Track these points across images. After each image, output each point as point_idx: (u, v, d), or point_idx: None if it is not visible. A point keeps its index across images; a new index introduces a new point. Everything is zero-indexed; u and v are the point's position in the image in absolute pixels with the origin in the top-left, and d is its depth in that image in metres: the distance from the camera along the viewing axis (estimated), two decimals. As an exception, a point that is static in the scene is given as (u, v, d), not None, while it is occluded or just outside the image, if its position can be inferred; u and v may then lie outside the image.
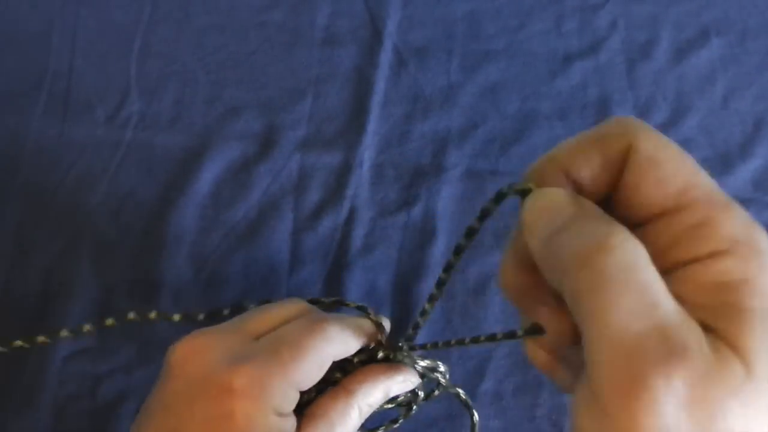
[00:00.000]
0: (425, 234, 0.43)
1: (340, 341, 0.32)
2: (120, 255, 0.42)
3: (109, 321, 0.36)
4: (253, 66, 0.47)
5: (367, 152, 0.44)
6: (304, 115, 0.46)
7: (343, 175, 0.44)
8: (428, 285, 0.41)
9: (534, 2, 0.49)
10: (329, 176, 0.44)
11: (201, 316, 0.36)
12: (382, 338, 0.34)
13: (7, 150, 0.44)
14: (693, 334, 0.18)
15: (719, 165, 0.45)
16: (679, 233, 0.20)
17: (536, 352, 0.24)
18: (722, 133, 0.46)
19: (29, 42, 0.47)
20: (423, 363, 0.34)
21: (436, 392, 0.36)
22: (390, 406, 0.35)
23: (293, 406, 0.30)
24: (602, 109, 0.46)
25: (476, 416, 0.37)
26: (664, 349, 0.17)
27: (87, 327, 0.36)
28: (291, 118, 0.45)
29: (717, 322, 0.18)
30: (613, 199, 0.21)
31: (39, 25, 0.47)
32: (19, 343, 0.36)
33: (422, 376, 0.35)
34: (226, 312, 0.36)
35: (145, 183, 0.43)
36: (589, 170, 0.22)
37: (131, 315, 0.36)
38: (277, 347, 0.30)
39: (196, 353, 0.30)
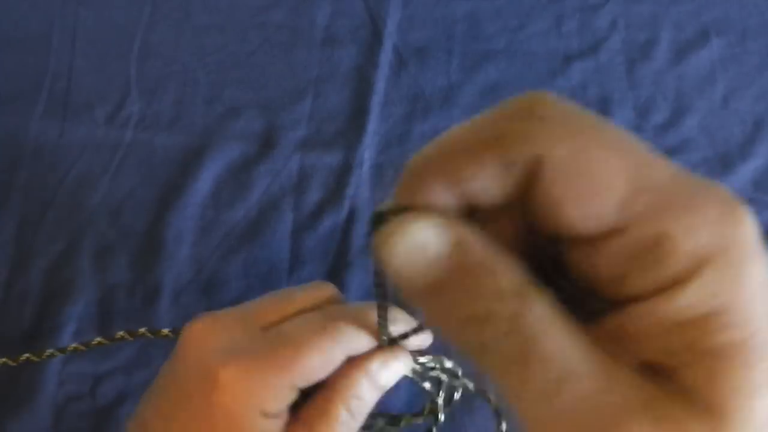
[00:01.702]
0: (425, 234, 0.42)
1: (354, 342, 0.29)
2: (120, 255, 0.42)
3: (97, 340, 0.36)
4: (253, 66, 0.47)
5: (367, 152, 0.44)
6: (304, 115, 0.46)
7: (343, 175, 0.44)
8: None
9: (534, 2, 0.49)
10: (329, 176, 0.44)
11: None
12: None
13: (7, 150, 0.44)
14: (625, 403, 0.14)
15: (719, 165, 0.45)
16: (626, 260, 0.14)
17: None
18: (722, 133, 0.46)
19: (29, 42, 0.47)
20: (422, 359, 0.32)
21: (457, 395, 0.33)
22: (418, 421, 0.33)
23: (286, 405, 0.28)
24: (602, 109, 0.46)
25: (504, 425, 0.33)
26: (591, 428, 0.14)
27: (72, 346, 0.37)
28: (291, 118, 0.45)
29: (682, 369, 0.14)
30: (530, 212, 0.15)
31: (39, 25, 0.47)
32: (2, 360, 0.37)
33: (426, 376, 0.32)
34: (166, 331, 0.35)
35: (145, 183, 0.43)
36: (482, 182, 0.15)
37: (120, 333, 0.36)
38: (277, 344, 0.28)
39: (199, 337, 0.29)
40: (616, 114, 0.46)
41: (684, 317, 0.14)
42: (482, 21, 0.49)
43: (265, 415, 0.28)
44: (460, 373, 0.33)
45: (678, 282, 0.14)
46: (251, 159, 0.44)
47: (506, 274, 0.14)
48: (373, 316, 0.28)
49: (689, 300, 0.14)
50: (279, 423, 0.28)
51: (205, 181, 0.43)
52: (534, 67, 0.47)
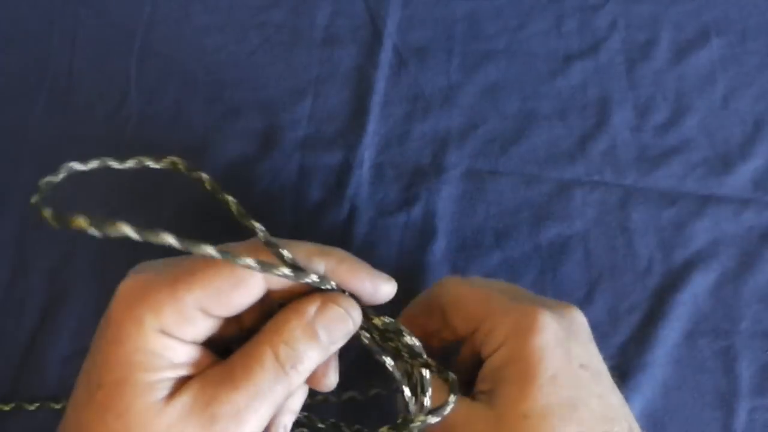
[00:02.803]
0: (425, 234, 0.43)
1: (276, 270, 0.25)
2: (120, 256, 0.42)
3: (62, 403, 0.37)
4: (253, 66, 0.47)
5: (367, 152, 0.44)
6: (304, 115, 0.46)
7: (343, 175, 0.44)
8: (428, 285, 0.41)
9: (534, 2, 0.49)
10: (329, 176, 0.44)
11: None
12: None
13: (8, 150, 0.44)
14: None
15: (719, 165, 0.45)
16: (482, 340, 0.30)
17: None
18: (722, 133, 0.46)
19: (29, 42, 0.47)
20: (376, 320, 0.28)
21: (427, 395, 0.28)
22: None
23: (200, 334, 0.26)
24: (602, 109, 0.46)
25: (452, 375, 0.28)
26: None
27: (7, 408, 0.38)
28: (291, 118, 0.45)
29: (496, 392, 0.29)
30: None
31: (39, 25, 0.48)
32: None
33: (384, 346, 0.28)
34: None
35: (145, 183, 0.43)
36: (430, 324, 0.33)
37: (57, 405, 0.37)
38: (185, 263, 0.26)
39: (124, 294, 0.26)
40: (616, 114, 0.46)
41: (497, 365, 0.29)
42: (482, 21, 0.49)
43: (167, 334, 0.25)
44: (423, 355, 0.28)
45: (495, 350, 0.29)
46: (251, 159, 0.44)
47: None
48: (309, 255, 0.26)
49: (498, 357, 0.29)
50: (190, 352, 0.25)
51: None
52: (534, 67, 0.47)
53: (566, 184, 0.44)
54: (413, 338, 0.29)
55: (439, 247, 0.42)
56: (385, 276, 0.29)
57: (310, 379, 0.28)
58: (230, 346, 0.27)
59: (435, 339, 0.33)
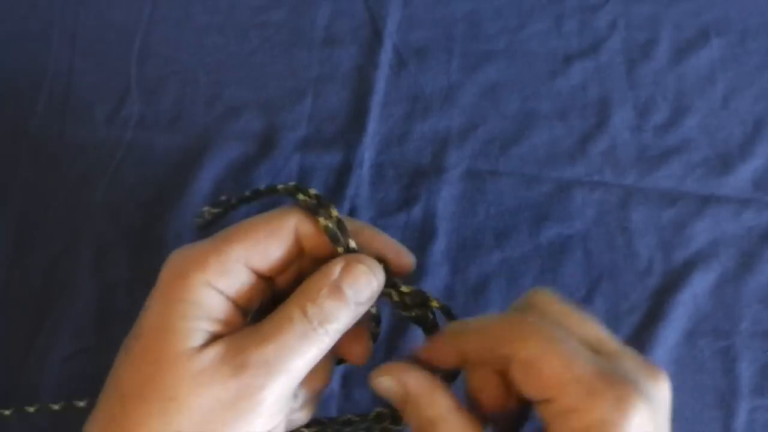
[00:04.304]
0: (425, 234, 0.43)
1: (307, 222, 0.29)
2: (119, 255, 0.42)
3: (32, 408, 0.36)
4: (253, 66, 0.47)
5: (367, 152, 0.44)
6: (304, 115, 0.46)
7: (343, 175, 0.44)
8: (428, 285, 0.41)
9: (534, 2, 0.49)
10: (329, 176, 0.44)
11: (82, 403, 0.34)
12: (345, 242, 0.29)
13: (7, 150, 0.44)
14: None
15: (719, 165, 0.45)
16: (556, 415, 0.24)
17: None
18: (722, 133, 0.46)
19: (29, 42, 0.47)
20: (404, 288, 0.29)
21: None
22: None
23: (240, 289, 0.27)
24: (602, 109, 0.46)
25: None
26: None
27: (7, 412, 0.36)
28: (291, 118, 0.45)
29: None
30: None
31: (39, 25, 0.48)
32: None
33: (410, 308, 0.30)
34: (81, 404, 0.33)
35: (145, 183, 0.43)
36: (479, 364, 0.28)
37: (55, 407, 0.35)
38: (233, 227, 0.28)
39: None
40: (616, 114, 0.46)
41: None
42: (482, 21, 0.49)
43: (210, 286, 0.27)
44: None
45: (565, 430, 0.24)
46: (251, 159, 0.44)
47: (431, 403, 0.27)
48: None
49: None
50: (228, 310, 0.27)
51: (204, 181, 0.43)
52: (534, 67, 0.47)
53: (566, 184, 0.44)
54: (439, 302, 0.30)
55: (439, 247, 0.42)
56: (405, 248, 0.30)
57: (341, 348, 0.29)
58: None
59: (479, 378, 0.28)
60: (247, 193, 0.33)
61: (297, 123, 0.45)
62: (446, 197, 0.43)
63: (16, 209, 0.42)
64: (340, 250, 0.28)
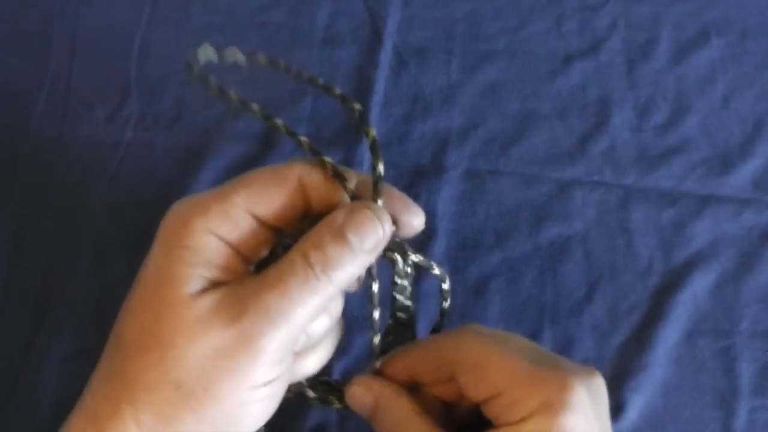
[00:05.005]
0: (425, 234, 0.42)
1: (312, 172, 0.28)
2: (119, 255, 0.42)
3: None
4: (253, 66, 0.47)
5: (367, 152, 0.44)
6: (304, 115, 0.46)
7: (343, 175, 0.44)
8: (428, 285, 0.41)
9: (534, 2, 0.49)
10: (329, 176, 0.44)
11: None
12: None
13: (7, 150, 0.44)
14: None
15: (719, 165, 0.45)
16: (504, 409, 0.27)
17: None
18: (722, 133, 0.46)
19: (29, 42, 0.47)
20: (413, 257, 0.29)
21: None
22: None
23: (243, 236, 0.26)
24: (602, 109, 0.46)
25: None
26: None
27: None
28: (291, 118, 0.45)
29: None
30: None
31: (39, 25, 0.48)
32: None
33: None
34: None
35: (145, 183, 0.43)
36: (433, 376, 0.30)
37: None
38: (236, 178, 0.28)
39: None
40: (616, 114, 0.46)
41: None
42: (482, 21, 0.49)
43: (212, 233, 0.26)
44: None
45: (521, 420, 0.26)
46: (251, 159, 0.44)
47: (396, 407, 0.29)
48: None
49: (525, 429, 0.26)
50: (230, 257, 0.26)
51: (205, 182, 0.43)
52: (534, 67, 0.47)
53: (566, 184, 0.44)
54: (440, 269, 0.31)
55: (439, 247, 0.42)
56: (416, 204, 0.29)
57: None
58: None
59: (434, 389, 0.30)
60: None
61: (297, 123, 0.45)
62: (446, 197, 0.43)
63: (16, 209, 0.42)
64: (347, 195, 0.27)
